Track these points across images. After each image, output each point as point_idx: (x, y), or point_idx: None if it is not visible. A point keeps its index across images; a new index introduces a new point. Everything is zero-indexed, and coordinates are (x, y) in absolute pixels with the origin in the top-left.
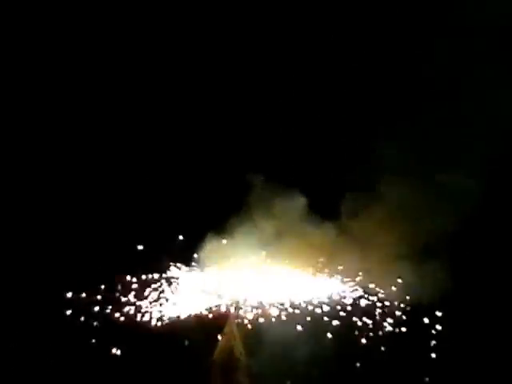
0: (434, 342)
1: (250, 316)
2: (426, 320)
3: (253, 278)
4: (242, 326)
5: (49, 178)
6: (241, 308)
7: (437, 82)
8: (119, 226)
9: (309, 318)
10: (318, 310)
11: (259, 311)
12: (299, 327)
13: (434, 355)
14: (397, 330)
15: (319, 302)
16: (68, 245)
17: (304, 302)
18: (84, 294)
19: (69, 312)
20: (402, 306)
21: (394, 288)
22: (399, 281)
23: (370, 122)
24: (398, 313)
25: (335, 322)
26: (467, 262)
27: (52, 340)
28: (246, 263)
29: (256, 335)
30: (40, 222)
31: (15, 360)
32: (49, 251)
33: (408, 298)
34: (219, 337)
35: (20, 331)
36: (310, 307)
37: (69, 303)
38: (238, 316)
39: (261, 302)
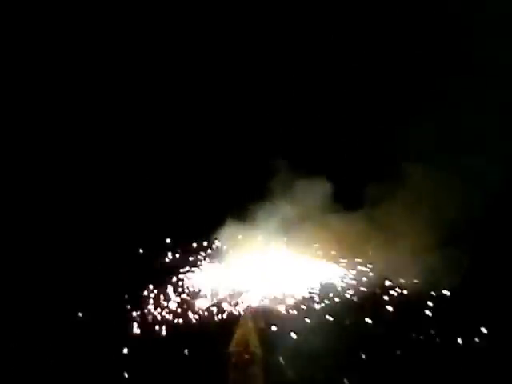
0: (459, 334)
1: (267, 307)
2: (451, 312)
3: (271, 267)
4: (258, 318)
5: (49, 178)
6: (258, 299)
7: (459, 67)
8: (137, 213)
9: (328, 310)
10: (339, 302)
11: (277, 302)
12: (317, 319)
13: (458, 348)
14: (420, 320)
15: (340, 294)
16: (81, 232)
17: (324, 293)
18: (99, 285)
19: (82, 306)
20: (426, 296)
21: (418, 277)
22: (423, 270)
23: (394, 108)
24: (422, 303)
25: (356, 314)
26: (493, 250)
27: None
28: (265, 252)
29: (272, 327)
30: (45, 222)
31: (16, 360)
32: (59, 250)
33: (432, 287)
34: (235, 329)
35: (22, 333)
36: (330, 299)
37: (84, 297)
38: (254, 308)
39: (278, 293)
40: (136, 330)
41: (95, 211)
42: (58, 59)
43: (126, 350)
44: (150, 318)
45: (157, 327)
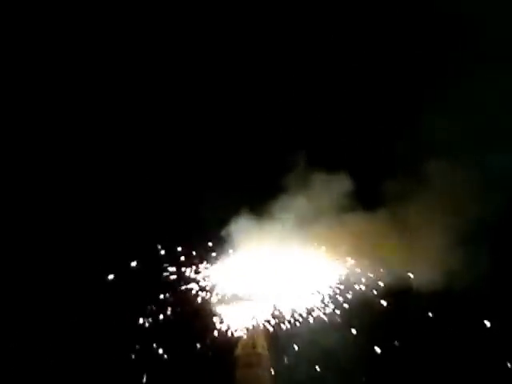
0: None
1: (276, 308)
2: (474, 312)
3: (283, 266)
4: (265, 319)
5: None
6: (266, 299)
7: (485, 57)
8: (148, 208)
9: (340, 312)
10: (352, 303)
11: (285, 303)
12: (328, 321)
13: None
14: (440, 322)
15: (354, 294)
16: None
17: (337, 293)
18: (107, 283)
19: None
20: (447, 296)
21: (439, 278)
22: (444, 270)
23: (416, 100)
24: (442, 304)
25: (371, 316)
26: None
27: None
28: (279, 250)
29: (280, 329)
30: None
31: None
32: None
33: (454, 288)
34: (242, 331)
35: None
36: (343, 299)
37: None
38: (262, 309)
39: (288, 293)
40: (141, 332)
41: (108, 204)
42: (58, 59)
43: (130, 351)
44: (155, 318)
45: (162, 329)
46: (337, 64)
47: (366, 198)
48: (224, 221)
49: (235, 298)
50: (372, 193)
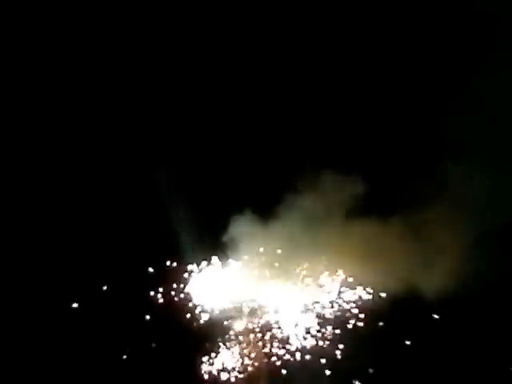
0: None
1: (277, 320)
2: (485, 318)
3: (287, 276)
4: (266, 331)
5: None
6: (266, 312)
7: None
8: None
9: (346, 320)
10: (358, 314)
11: (288, 314)
12: (332, 330)
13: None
14: (450, 326)
15: (359, 305)
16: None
17: (340, 303)
18: (108, 289)
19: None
20: (458, 301)
21: (451, 285)
22: (456, 277)
23: (436, 103)
24: (453, 309)
25: (380, 324)
26: None
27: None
28: (285, 258)
29: (281, 341)
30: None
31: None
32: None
33: (465, 293)
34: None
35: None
36: (349, 309)
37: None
38: (262, 319)
39: (290, 303)
40: (140, 336)
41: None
42: (59, 59)
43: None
44: (155, 323)
45: (162, 333)
46: (352, 68)
47: (378, 204)
48: (225, 225)
49: (231, 314)
50: (384, 198)
